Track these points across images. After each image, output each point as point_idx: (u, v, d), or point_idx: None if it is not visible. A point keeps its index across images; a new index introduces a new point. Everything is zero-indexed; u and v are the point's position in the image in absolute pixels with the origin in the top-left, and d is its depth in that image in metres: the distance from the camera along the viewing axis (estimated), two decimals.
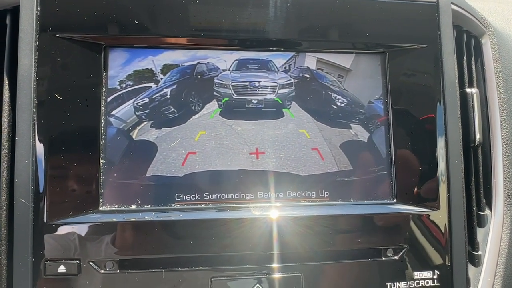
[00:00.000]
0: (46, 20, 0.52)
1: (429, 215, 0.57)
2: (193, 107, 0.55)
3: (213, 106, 0.56)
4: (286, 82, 0.58)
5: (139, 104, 0.54)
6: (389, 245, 0.56)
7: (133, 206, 0.53)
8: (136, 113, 0.54)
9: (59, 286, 0.49)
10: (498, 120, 0.65)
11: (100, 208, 0.52)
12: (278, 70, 0.58)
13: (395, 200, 0.57)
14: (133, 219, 0.51)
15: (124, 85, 0.54)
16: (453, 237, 0.57)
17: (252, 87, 0.57)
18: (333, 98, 0.58)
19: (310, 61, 0.58)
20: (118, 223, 0.51)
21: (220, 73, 0.56)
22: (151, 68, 0.55)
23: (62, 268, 0.49)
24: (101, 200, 0.52)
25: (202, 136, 0.55)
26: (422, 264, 0.56)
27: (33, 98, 0.51)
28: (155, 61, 0.55)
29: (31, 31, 0.51)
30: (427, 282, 0.56)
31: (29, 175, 0.50)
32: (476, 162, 0.64)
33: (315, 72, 0.58)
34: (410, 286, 0.56)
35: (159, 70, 0.55)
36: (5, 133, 0.53)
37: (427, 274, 0.56)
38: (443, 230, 0.57)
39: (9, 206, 0.52)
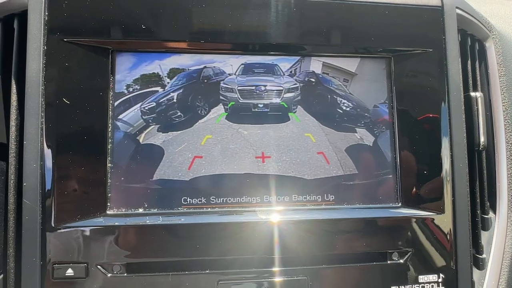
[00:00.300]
0: (54, 25, 0.52)
1: (434, 219, 0.57)
2: (199, 111, 0.56)
3: (219, 110, 0.56)
4: (291, 86, 0.58)
5: (146, 108, 0.55)
6: (394, 248, 0.56)
7: (140, 210, 0.53)
8: (143, 117, 0.55)
9: None
10: (502, 124, 0.65)
11: (108, 212, 0.52)
12: (284, 74, 0.58)
13: (400, 204, 0.57)
14: (140, 223, 0.52)
15: (131, 89, 0.55)
16: (458, 240, 0.58)
17: (258, 91, 0.57)
18: (339, 102, 0.59)
19: (315, 65, 0.59)
20: (125, 227, 0.51)
21: (226, 77, 0.57)
22: (157, 73, 0.55)
23: (70, 272, 0.50)
24: (108, 204, 0.52)
25: (209, 140, 0.55)
26: (427, 267, 0.57)
27: (41, 102, 0.51)
28: (161, 65, 0.55)
29: (39, 35, 0.52)
30: (432, 286, 0.56)
31: (37, 179, 0.50)
32: (481, 165, 0.64)
33: (320, 76, 0.59)
34: None
35: (166, 74, 0.55)
36: (13, 137, 0.53)
37: (432, 277, 0.57)
38: (448, 233, 0.57)
39: (16, 210, 0.52)
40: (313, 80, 0.58)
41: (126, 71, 0.55)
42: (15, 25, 0.55)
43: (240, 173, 0.55)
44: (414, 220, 0.57)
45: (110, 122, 0.53)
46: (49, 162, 0.51)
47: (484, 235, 0.63)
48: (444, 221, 0.57)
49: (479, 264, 0.62)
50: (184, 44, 0.55)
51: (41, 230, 0.50)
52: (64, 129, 0.52)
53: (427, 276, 0.56)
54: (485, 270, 0.62)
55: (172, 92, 0.55)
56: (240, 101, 0.57)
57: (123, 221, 0.52)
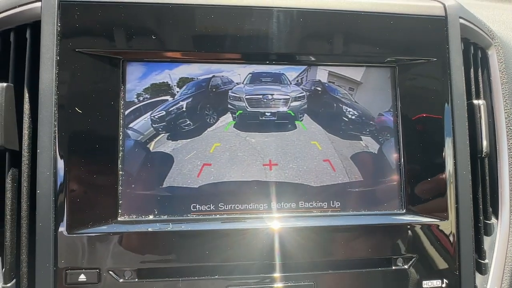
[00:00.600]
0: (66, 35, 0.53)
1: (438, 225, 0.58)
2: (208, 120, 0.57)
3: (227, 119, 0.57)
4: (298, 95, 0.59)
5: (156, 116, 0.56)
6: (399, 254, 0.57)
7: (151, 217, 0.54)
8: (153, 125, 0.56)
9: None
10: (504, 131, 0.66)
11: (119, 219, 0.53)
12: (291, 83, 0.59)
13: (404, 211, 0.58)
14: (151, 229, 0.53)
15: (141, 98, 0.56)
16: (461, 246, 0.59)
17: (265, 100, 0.58)
18: (344, 110, 0.60)
19: (321, 74, 0.60)
20: (136, 233, 0.53)
21: (234, 86, 0.58)
22: (167, 82, 0.56)
23: (82, 277, 0.51)
24: (119, 211, 0.53)
25: (217, 148, 0.57)
26: (431, 272, 0.58)
27: (54, 111, 0.52)
28: (171, 74, 0.57)
29: (52, 46, 0.53)
30: None
31: (50, 186, 0.51)
32: (483, 172, 0.65)
33: (326, 85, 0.60)
34: None
35: (175, 84, 0.57)
36: (26, 145, 0.54)
37: (436, 282, 0.58)
38: (451, 239, 0.58)
39: (29, 216, 0.53)
40: (319, 89, 0.60)
41: (137, 80, 0.56)
42: (28, 35, 0.56)
43: (248, 180, 0.56)
44: (419, 226, 0.58)
45: (121, 130, 0.54)
46: (61, 170, 0.52)
47: (486, 241, 0.64)
48: (447, 227, 0.59)
49: (482, 269, 0.63)
50: (193, 54, 0.57)
51: (54, 236, 0.51)
52: (77, 138, 0.53)
53: (431, 281, 0.58)
54: (487, 275, 0.63)
55: (181, 101, 0.57)
56: (248, 109, 0.58)
57: (134, 227, 0.53)
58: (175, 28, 0.55)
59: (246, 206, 0.56)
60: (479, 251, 0.63)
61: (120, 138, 0.54)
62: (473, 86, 0.66)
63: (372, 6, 0.59)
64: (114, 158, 0.54)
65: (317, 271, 0.55)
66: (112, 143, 0.54)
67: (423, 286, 0.57)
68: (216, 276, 0.54)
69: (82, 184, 0.52)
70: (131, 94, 0.55)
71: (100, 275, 0.51)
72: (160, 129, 0.56)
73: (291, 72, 0.59)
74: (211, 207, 0.56)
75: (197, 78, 0.57)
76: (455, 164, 0.60)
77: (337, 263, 0.56)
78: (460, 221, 0.59)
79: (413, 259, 0.57)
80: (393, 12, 0.60)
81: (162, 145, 0.56)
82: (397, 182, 0.59)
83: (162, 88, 0.56)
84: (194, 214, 0.55)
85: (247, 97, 0.58)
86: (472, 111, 0.64)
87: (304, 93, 0.59)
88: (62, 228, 0.51)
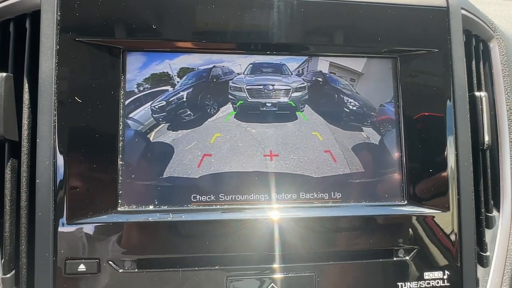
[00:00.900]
0: (66, 25, 0.53)
1: (439, 217, 0.58)
2: (208, 110, 0.57)
3: (228, 109, 0.57)
4: (299, 86, 0.59)
5: (156, 106, 0.56)
6: (400, 245, 0.57)
7: (151, 207, 0.54)
8: (154, 115, 0.55)
9: (79, 284, 0.51)
10: (506, 123, 0.66)
11: (119, 209, 0.53)
12: (292, 74, 0.59)
13: (406, 202, 0.58)
14: (151, 220, 0.53)
15: (141, 88, 0.55)
16: (463, 238, 0.58)
17: (266, 91, 0.58)
18: (345, 101, 0.59)
19: (322, 65, 0.60)
20: (136, 224, 0.52)
21: (235, 76, 0.58)
22: (167, 72, 0.56)
23: (82, 267, 0.51)
24: (119, 201, 0.53)
25: (218, 138, 0.56)
26: (432, 264, 0.57)
27: (54, 100, 0.52)
28: (171, 64, 0.56)
29: (52, 35, 0.53)
30: (437, 282, 0.57)
31: (50, 176, 0.51)
32: (485, 164, 0.65)
33: (327, 75, 0.60)
34: (421, 286, 0.57)
35: (176, 74, 0.56)
36: (25, 135, 0.54)
37: (437, 274, 0.57)
38: (453, 231, 0.58)
39: (28, 207, 0.53)
40: (320, 79, 0.59)
41: (137, 70, 0.55)
42: (27, 25, 0.56)
43: (248, 171, 0.56)
44: (420, 217, 0.57)
45: (121, 120, 0.54)
46: (61, 160, 0.51)
47: (488, 233, 0.64)
48: (449, 219, 0.58)
49: (483, 261, 0.62)
50: (194, 44, 0.56)
51: (54, 226, 0.51)
52: (76, 127, 0.52)
53: (432, 272, 0.57)
54: (489, 268, 0.63)
55: (182, 91, 0.56)
56: (249, 100, 0.58)
57: (134, 218, 0.53)
58: (175, 18, 0.55)
59: (246, 196, 0.56)
60: (481, 244, 0.63)
61: (120, 128, 0.54)
62: (474, 78, 0.66)
63: None
64: (114, 148, 0.53)
65: (317, 262, 0.55)
66: (112, 133, 0.54)
67: (424, 278, 0.57)
68: (216, 267, 0.53)
69: (82, 174, 0.52)
70: (131, 84, 0.55)
71: (100, 265, 0.51)
72: (160, 119, 0.55)
73: (292, 63, 0.59)
74: (212, 198, 0.55)
75: (197, 68, 0.57)
76: (456, 155, 0.59)
77: (338, 254, 0.56)
78: (462, 213, 0.59)
79: (414, 251, 0.57)
80: (395, 2, 0.59)
81: (163, 135, 0.55)
82: (398, 173, 0.59)
83: (163, 78, 0.56)
84: (195, 205, 0.55)
85: (247, 87, 0.58)
86: (474, 103, 0.64)
87: (305, 84, 0.59)
88: (62, 218, 0.51)
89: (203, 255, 0.53)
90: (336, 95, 0.59)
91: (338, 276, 0.55)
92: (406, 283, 0.56)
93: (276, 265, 0.54)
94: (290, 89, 0.58)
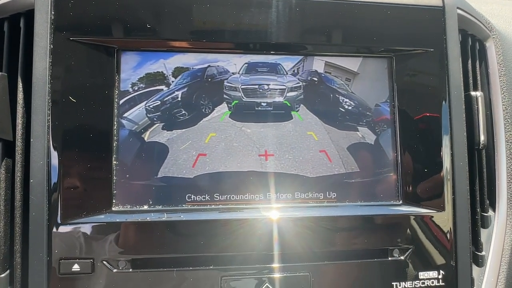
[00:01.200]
0: (60, 24, 0.53)
1: (434, 216, 0.58)
2: (203, 110, 0.57)
3: (223, 109, 0.57)
4: (294, 85, 0.59)
5: (151, 106, 0.55)
6: (395, 245, 0.57)
7: (145, 207, 0.54)
8: (148, 115, 0.55)
9: (73, 284, 0.51)
10: (502, 123, 0.66)
11: (113, 209, 0.53)
12: (287, 74, 0.59)
13: (401, 202, 0.58)
14: (145, 219, 0.52)
15: (136, 88, 0.55)
16: (458, 237, 0.58)
17: (261, 90, 0.58)
18: (341, 101, 0.59)
19: (318, 64, 0.59)
20: (130, 223, 0.52)
21: (230, 76, 0.58)
22: (162, 71, 0.56)
23: (76, 267, 0.51)
24: (113, 201, 0.53)
25: (212, 138, 0.56)
26: (428, 264, 0.57)
27: (48, 100, 0.52)
28: (166, 64, 0.56)
29: (46, 34, 0.52)
30: (432, 282, 0.57)
31: (44, 175, 0.51)
32: (480, 164, 0.65)
33: (323, 75, 0.59)
34: (416, 285, 0.57)
35: (170, 73, 0.56)
36: (19, 135, 0.54)
37: (432, 274, 0.57)
38: (448, 231, 0.58)
39: (22, 206, 0.53)
40: (315, 79, 0.59)
41: (131, 69, 0.55)
42: (21, 24, 0.56)
43: (243, 170, 0.56)
44: (415, 217, 0.57)
45: (115, 120, 0.54)
46: (55, 160, 0.51)
47: (483, 233, 0.64)
48: (444, 219, 0.58)
49: (479, 261, 0.62)
50: (189, 43, 0.56)
51: (48, 226, 0.50)
52: (70, 127, 0.52)
53: (427, 272, 0.57)
54: (484, 267, 0.63)
55: (177, 90, 0.56)
56: (244, 99, 0.57)
57: (128, 217, 0.52)
58: (170, 17, 0.55)
59: (241, 196, 0.56)
60: (476, 243, 0.63)
61: (115, 127, 0.54)
62: (470, 78, 0.66)
63: None
64: (108, 147, 0.53)
65: (312, 262, 0.55)
66: (106, 132, 0.53)
67: (420, 277, 0.57)
68: (211, 267, 0.53)
69: (76, 174, 0.52)
70: (125, 84, 0.55)
71: (94, 265, 0.51)
72: (155, 119, 0.55)
73: (287, 62, 0.59)
74: (206, 198, 0.55)
75: (192, 68, 0.57)
76: (452, 155, 0.59)
77: (333, 254, 0.56)
78: (457, 212, 0.59)
79: (409, 250, 0.57)
80: (390, 1, 0.59)
81: (157, 135, 0.55)
82: (393, 173, 0.59)
83: (157, 78, 0.56)
84: (189, 205, 0.55)
85: (242, 87, 0.58)
86: (469, 103, 0.64)
87: (301, 84, 0.59)
88: (56, 218, 0.51)
89: (197, 255, 0.53)
90: (331, 95, 0.59)
91: (333, 276, 0.55)
92: (401, 282, 0.56)
93: (271, 265, 0.54)
94: (285, 89, 0.58)
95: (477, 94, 0.64)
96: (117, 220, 0.52)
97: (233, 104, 0.57)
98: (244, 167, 0.56)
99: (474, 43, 0.68)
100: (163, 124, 0.55)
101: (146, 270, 0.52)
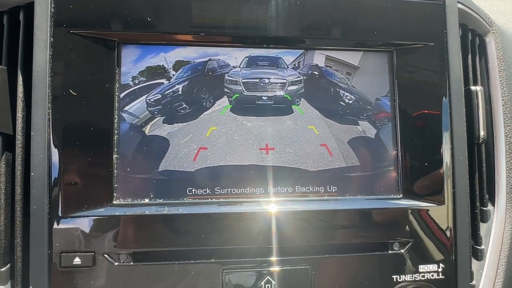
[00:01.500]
0: (60, 17, 0.52)
1: (434, 210, 0.58)
2: (204, 103, 0.56)
3: (224, 103, 0.57)
4: (295, 79, 0.59)
5: (152, 100, 0.55)
6: (395, 239, 0.57)
7: (146, 200, 0.54)
8: (149, 109, 0.55)
9: (75, 277, 0.51)
10: (501, 118, 0.66)
11: (114, 202, 0.53)
12: (288, 67, 0.59)
13: (401, 195, 0.58)
14: (146, 213, 0.52)
15: (136, 81, 0.55)
16: (458, 231, 0.59)
17: (262, 84, 0.58)
18: (341, 95, 0.59)
19: (318, 58, 0.59)
20: (131, 217, 0.52)
21: (231, 70, 0.57)
22: (163, 65, 0.56)
23: (77, 260, 0.51)
24: (114, 194, 0.53)
25: (213, 131, 0.56)
26: (427, 257, 0.58)
27: (48, 93, 0.52)
28: (167, 57, 0.56)
29: (46, 27, 0.52)
30: (432, 275, 0.58)
31: (44, 169, 0.51)
32: (480, 158, 0.65)
33: (323, 69, 0.59)
34: (416, 278, 0.57)
35: (171, 67, 0.56)
36: (20, 128, 0.53)
37: (432, 267, 0.58)
38: (448, 224, 0.58)
39: (23, 200, 0.53)
40: (316, 73, 0.59)
41: (132, 63, 0.55)
42: (21, 17, 0.55)
43: (244, 164, 0.56)
44: (415, 211, 0.58)
45: (116, 113, 0.54)
46: (56, 153, 0.51)
47: (483, 227, 0.65)
48: (444, 213, 0.58)
49: (478, 255, 0.63)
50: (189, 37, 0.56)
51: (49, 219, 0.50)
52: (71, 120, 0.52)
53: (427, 265, 0.58)
54: (483, 261, 0.63)
55: (177, 84, 0.56)
56: (245, 93, 0.57)
57: (129, 211, 0.52)
58: (171, 10, 0.54)
59: (242, 190, 0.56)
60: (476, 237, 0.63)
61: (115, 121, 0.54)
62: (470, 73, 0.66)
63: None
64: (109, 141, 0.53)
65: (313, 255, 0.55)
66: (107, 126, 0.53)
67: (419, 271, 0.57)
68: (212, 260, 0.53)
69: (77, 167, 0.52)
70: (126, 77, 0.55)
71: (95, 258, 0.51)
72: (155, 112, 0.55)
73: (288, 56, 0.59)
74: (207, 191, 0.55)
75: (193, 61, 0.57)
76: (452, 149, 0.59)
77: (334, 247, 0.56)
78: (457, 206, 0.59)
79: (409, 244, 0.57)
80: None
81: (158, 128, 0.55)
82: (394, 167, 0.59)
83: (158, 71, 0.56)
84: (190, 198, 0.55)
85: (243, 80, 0.57)
86: (469, 97, 0.64)
87: (301, 77, 0.59)
88: (57, 211, 0.51)
89: (198, 248, 0.53)
90: (332, 89, 0.59)
91: (333, 269, 0.56)
92: (401, 276, 0.57)
93: (271, 258, 0.54)
94: (286, 83, 0.58)
95: (477, 88, 0.64)
96: (118, 213, 0.52)
97: (234, 98, 0.57)
98: (245, 160, 0.56)
99: (474, 38, 0.68)
100: (164, 117, 0.55)
101: (147, 263, 0.52)
